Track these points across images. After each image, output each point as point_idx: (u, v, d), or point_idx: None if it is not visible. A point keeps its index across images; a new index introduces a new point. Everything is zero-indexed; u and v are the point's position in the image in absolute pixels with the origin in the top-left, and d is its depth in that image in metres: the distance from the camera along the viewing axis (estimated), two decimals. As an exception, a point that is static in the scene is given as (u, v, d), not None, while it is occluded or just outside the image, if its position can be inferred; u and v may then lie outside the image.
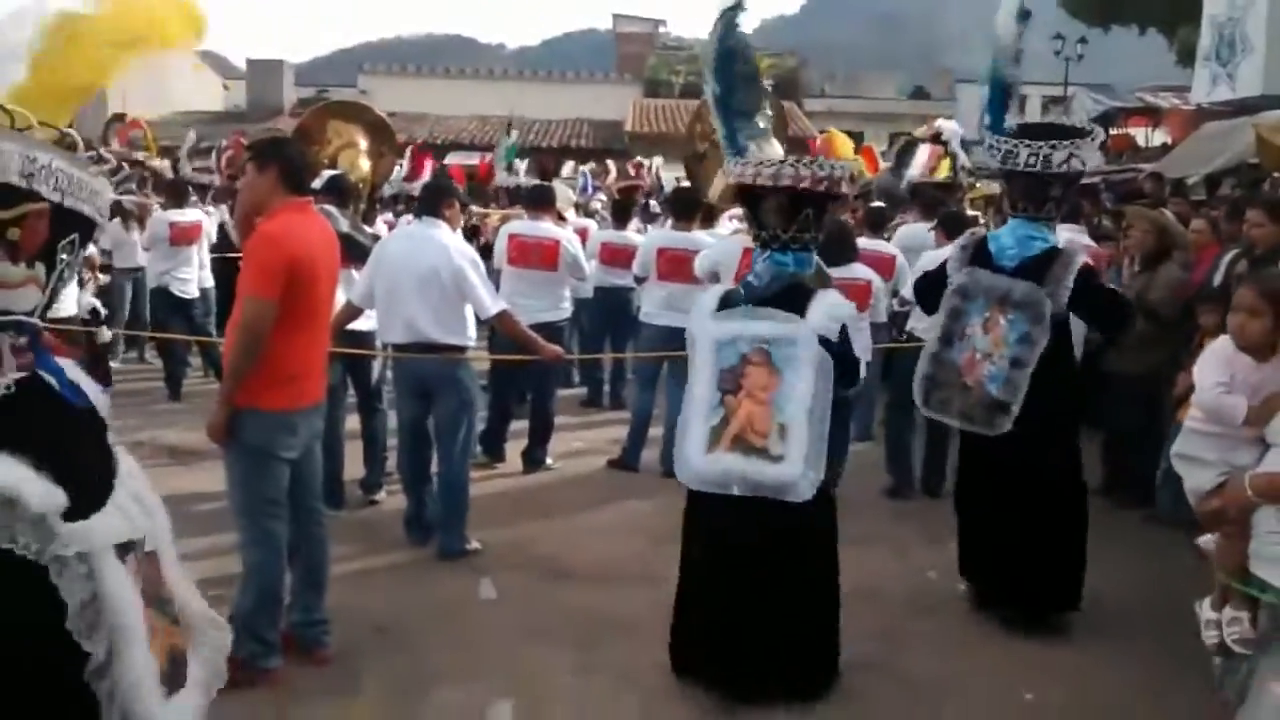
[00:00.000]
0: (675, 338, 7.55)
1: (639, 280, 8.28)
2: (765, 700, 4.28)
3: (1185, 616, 3.89)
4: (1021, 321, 5.09)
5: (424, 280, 5.80)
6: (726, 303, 4.51)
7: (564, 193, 9.85)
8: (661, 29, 44.52)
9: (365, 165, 7.69)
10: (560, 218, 8.96)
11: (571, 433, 8.72)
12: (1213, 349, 3.73)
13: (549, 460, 7.94)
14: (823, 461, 4.20)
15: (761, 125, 4.88)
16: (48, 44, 2.11)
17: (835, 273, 6.28)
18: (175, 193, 10.55)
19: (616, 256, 9.37)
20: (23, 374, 1.98)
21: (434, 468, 6.13)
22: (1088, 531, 5.24)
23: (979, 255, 5.34)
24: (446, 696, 4.35)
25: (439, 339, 5.85)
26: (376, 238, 6.70)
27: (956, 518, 5.53)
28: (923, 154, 11.93)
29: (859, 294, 6.87)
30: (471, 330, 6.07)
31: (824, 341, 4.25)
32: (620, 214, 10.22)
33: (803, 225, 4.42)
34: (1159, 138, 21.43)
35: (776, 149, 4.83)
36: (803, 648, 4.36)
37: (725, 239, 6.73)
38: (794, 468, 4.16)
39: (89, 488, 2.04)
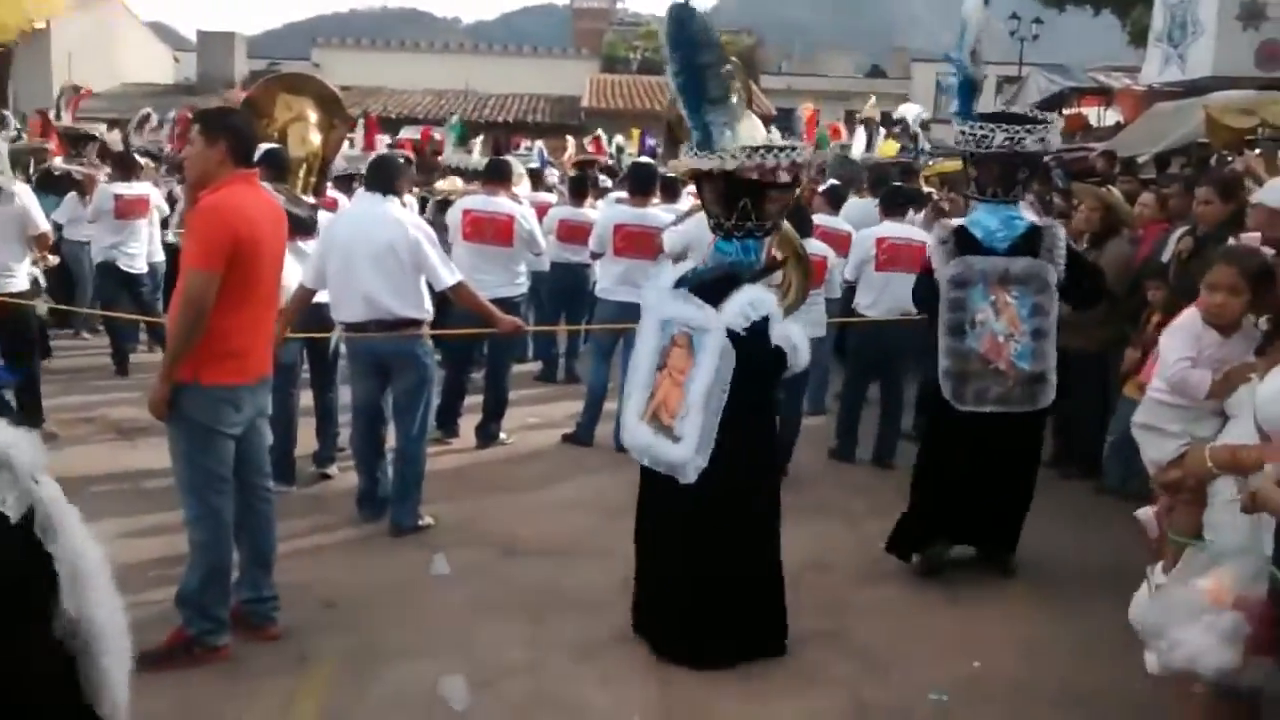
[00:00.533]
0: (631, 313, 7.54)
1: (595, 256, 8.27)
2: (712, 664, 4.40)
3: (1133, 585, 3.94)
4: (1027, 295, 5.33)
5: (379, 255, 5.72)
6: (681, 283, 4.60)
7: (515, 167, 9.76)
8: (619, 4, 44.37)
9: (315, 139, 7.57)
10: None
11: (526, 407, 8.70)
12: (1179, 324, 3.77)
13: (503, 435, 7.91)
14: (709, 447, 4.29)
15: (734, 103, 4.67)
16: None
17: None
18: (123, 165, 10.34)
19: (574, 233, 9.34)
20: None
21: (388, 444, 6.09)
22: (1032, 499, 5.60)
23: (965, 244, 5.41)
24: (398, 672, 4.33)
25: (398, 313, 5.78)
26: (315, 208, 6.58)
27: (916, 491, 5.63)
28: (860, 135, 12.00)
29: (815, 269, 6.90)
30: (428, 304, 6.00)
31: (731, 335, 4.30)
32: (577, 190, 10.18)
33: (742, 214, 4.46)
34: (1111, 117, 21.61)
35: (758, 130, 4.80)
36: (746, 612, 4.51)
37: (697, 218, 6.69)
38: (686, 450, 4.32)
39: None
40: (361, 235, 5.78)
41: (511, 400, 8.07)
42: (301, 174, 7.45)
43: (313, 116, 7.68)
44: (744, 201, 4.45)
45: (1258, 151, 9.64)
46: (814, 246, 7.25)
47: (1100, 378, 7.06)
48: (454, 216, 8.02)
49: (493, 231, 7.80)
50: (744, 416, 4.35)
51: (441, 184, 10.24)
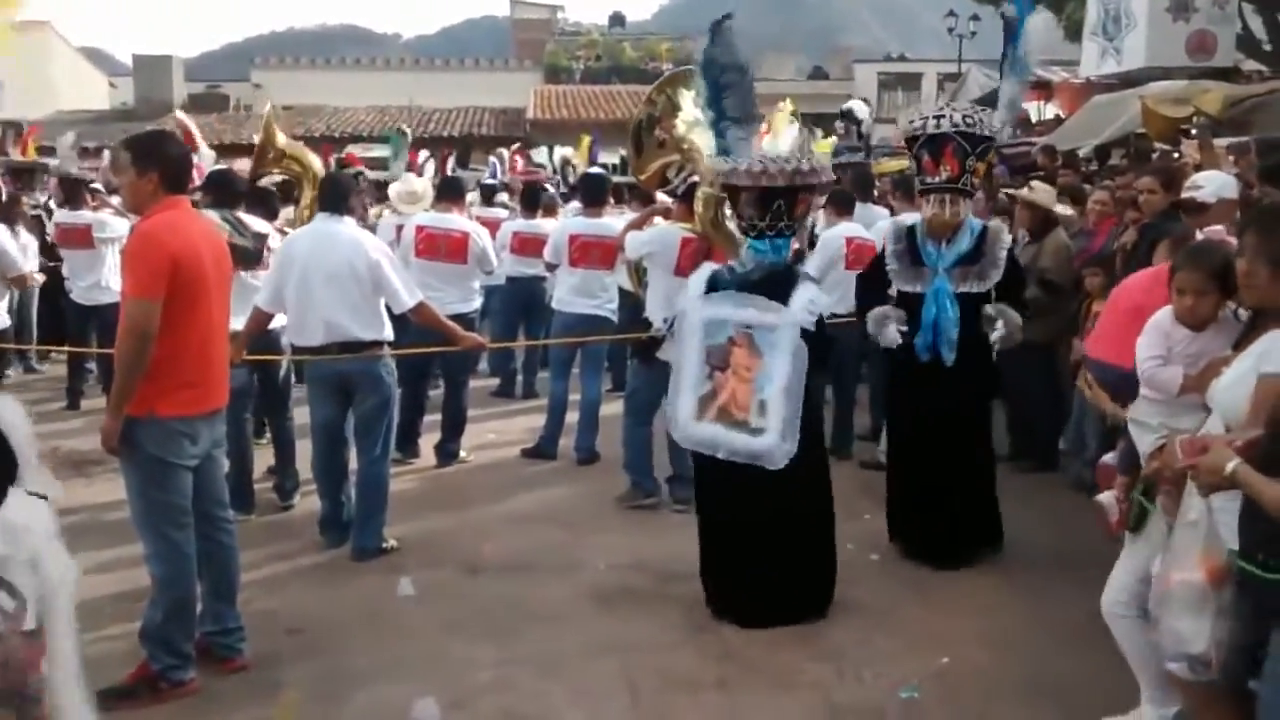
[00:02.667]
0: (588, 325, 7.58)
1: (551, 267, 8.23)
2: (782, 621, 4.83)
3: (1097, 574, 3.99)
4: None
5: (337, 277, 5.64)
6: (714, 284, 5.03)
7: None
8: (559, 14, 44.33)
9: (316, 161, 7.71)
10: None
11: (484, 424, 8.66)
12: (1152, 322, 3.81)
13: (463, 453, 7.86)
14: (796, 434, 4.78)
15: (757, 119, 5.35)
16: None
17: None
18: (67, 192, 10.07)
19: (527, 246, 9.33)
20: None
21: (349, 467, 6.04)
22: (995, 488, 5.87)
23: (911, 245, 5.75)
24: (369, 696, 4.29)
25: (359, 335, 5.71)
26: (261, 236, 6.50)
27: (891, 482, 5.93)
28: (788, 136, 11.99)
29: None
30: (389, 325, 5.92)
31: (801, 331, 4.80)
32: (529, 203, 10.18)
33: (775, 215, 4.97)
34: (1051, 111, 21.91)
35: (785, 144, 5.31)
36: (808, 577, 4.99)
37: (663, 227, 6.71)
38: (771, 439, 4.78)
39: None
40: (318, 257, 5.69)
41: (470, 417, 8.02)
42: (307, 198, 7.54)
43: (316, 163, 7.79)
44: (778, 204, 4.96)
45: (1194, 134, 9.82)
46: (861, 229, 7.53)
47: (1050, 369, 7.16)
48: (407, 233, 7.98)
49: (447, 248, 7.76)
50: (808, 405, 4.87)
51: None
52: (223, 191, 6.62)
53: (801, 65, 43.13)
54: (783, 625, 4.84)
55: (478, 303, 8.09)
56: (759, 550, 4.91)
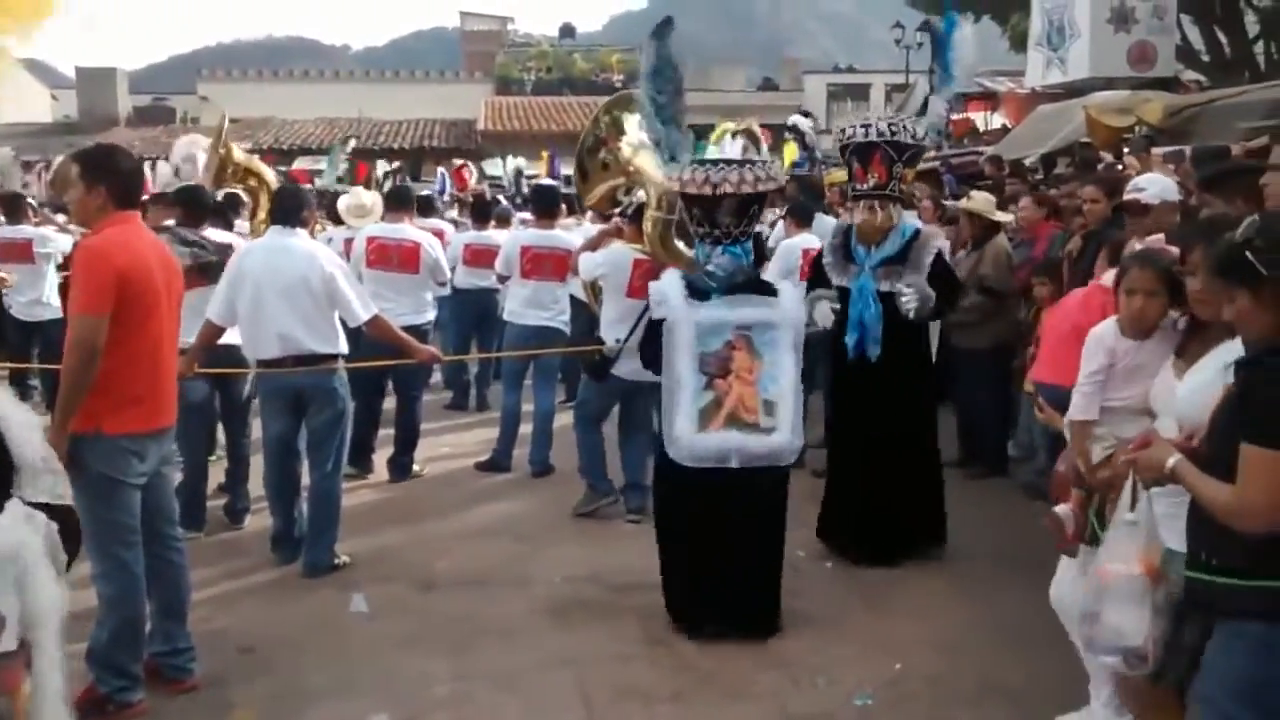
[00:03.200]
0: (540, 336, 7.57)
1: (503, 279, 8.19)
2: (743, 635, 4.83)
3: (1047, 580, 4.05)
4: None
5: (291, 290, 5.60)
6: (695, 291, 4.97)
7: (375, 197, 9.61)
8: (510, 26, 44.28)
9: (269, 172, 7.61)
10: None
11: (437, 437, 8.61)
12: (1094, 335, 3.85)
13: (416, 467, 7.82)
14: (801, 429, 4.91)
15: (680, 136, 5.26)
16: None
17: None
18: (6, 206, 9.91)
19: (480, 257, 9.31)
20: None
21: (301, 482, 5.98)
22: (941, 488, 5.98)
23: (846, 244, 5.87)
24: (322, 715, 4.25)
25: (314, 349, 5.66)
26: (225, 247, 6.44)
27: (829, 481, 6.02)
28: (734, 147, 11.96)
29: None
30: (343, 338, 5.87)
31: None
32: (480, 214, 10.18)
33: (750, 220, 5.06)
34: (998, 121, 22.22)
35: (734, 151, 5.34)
36: (764, 590, 4.98)
37: (615, 247, 6.73)
38: (784, 437, 4.84)
39: None
40: (272, 270, 5.64)
41: (423, 430, 7.98)
42: (263, 211, 7.49)
43: (201, 158, 7.68)
44: (754, 208, 5.05)
45: (1127, 150, 10.03)
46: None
47: (995, 375, 7.26)
48: (359, 245, 7.93)
49: (399, 259, 7.72)
50: None
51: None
52: (191, 208, 6.57)
53: (751, 77, 43.33)
54: (742, 638, 4.83)
55: (431, 314, 8.04)
56: (725, 560, 4.89)
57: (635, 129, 6.49)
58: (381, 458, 7.79)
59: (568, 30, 47.56)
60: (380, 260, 7.69)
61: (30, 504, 1.84)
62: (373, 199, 9.42)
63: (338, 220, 9.76)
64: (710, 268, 5.01)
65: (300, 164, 21.28)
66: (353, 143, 18.85)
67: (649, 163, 6.17)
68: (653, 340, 5.05)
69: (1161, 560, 2.96)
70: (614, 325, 6.43)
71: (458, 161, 20.24)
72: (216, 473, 6.77)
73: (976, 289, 7.20)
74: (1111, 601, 3.03)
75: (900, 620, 5.08)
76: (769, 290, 5.06)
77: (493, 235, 9.60)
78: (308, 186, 14.18)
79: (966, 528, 6.09)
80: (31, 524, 1.77)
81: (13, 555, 1.72)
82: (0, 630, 1.70)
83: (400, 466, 7.72)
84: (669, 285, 5.05)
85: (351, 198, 9.64)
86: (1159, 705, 3.19)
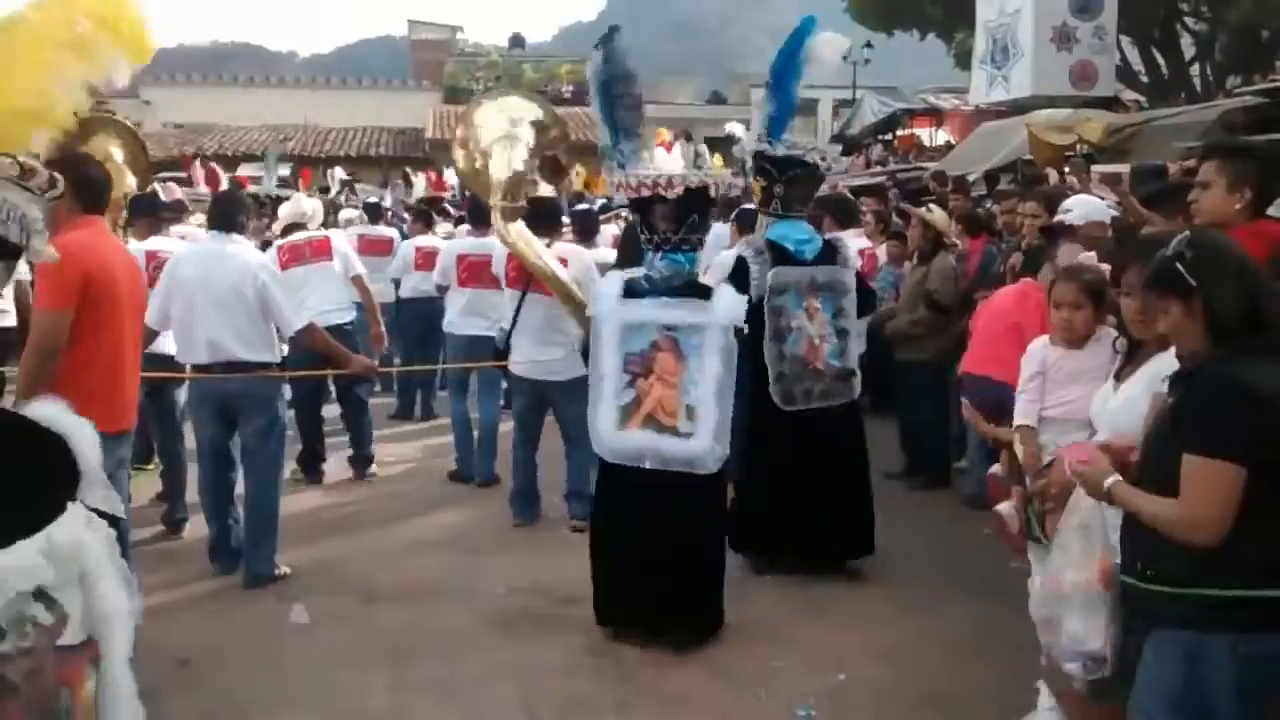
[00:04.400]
0: (478, 346, 7.51)
1: (441, 289, 8.20)
2: (673, 643, 4.80)
3: (989, 592, 4.09)
4: (830, 299, 5.81)
5: (223, 298, 5.54)
6: (630, 291, 4.96)
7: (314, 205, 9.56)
8: (459, 35, 44.11)
9: (131, 181, 7.31)
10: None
11: (382, 445, 8.53)
12: (1030, 348, 3.97)
13: (373, 467, 7.91)
14: (727, 437, 4.78)
15: (642, 134, 5.33)
16: None
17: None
18: None
19: (431, 260, 9.22)
20: None
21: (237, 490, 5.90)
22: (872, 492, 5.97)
23: (777, 256, 5.73)
24: (258, 728, 4.18)
25: (245, 357, 5.60)
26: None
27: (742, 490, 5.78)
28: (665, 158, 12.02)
29: None
30: (276, 346, 5.82)
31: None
32: (423, 218, 10.24)
33: (691, 228, 4.98)
34: (942, 137, 22.53)
35: (664, 163, 5.28)
36: (687, 596, 4.90)
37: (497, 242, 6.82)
38: (703, 443, 4.74)
39: None
40: (205, 277, 5.59)
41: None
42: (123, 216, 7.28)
43: (119, 155, 7.49)
44: (693, 216, 4.97)
45: (1068, 170, 10.20)
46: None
47: (938, 387, 7.33)
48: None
49: (310, 250, 7.76)
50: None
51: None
52: (149, 214, 6.55)
53: (701, 89, 43.50)
54: (677, 642, 4.83)
55: (351, 314, 7.87)
56: (646, 561, 4.85)
57: (490, 120, 6.72)
58: (331, 467, 7.82)
59: (517, 40, 47.39)
60: (294, 259, 7.67)
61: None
62: (313, 205, 9.31)
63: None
64: (649, 273, 5.02)
65: (245, 170, 20.97)
66: (286, 145, 18.71)
67: (498, 156, 6.47)
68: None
69: (1115, 565, 2.99)
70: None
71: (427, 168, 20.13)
72: (155, 482, 6.67)
73: (924, 303, 7.30)
74: (1069, 608, 3.07)
75: (842, 631, 5.10)
76: (704, 293, 4.95)
77: (437, 240, 9.70)
78: (250, 190, 14.12)
79: (909, 539, 6.14)
80: (92, 527, 1.77)
81: (73, 552, 1.72)
82: (63, 624, 1.70)
83: (362, 460, 7.88)
84: (608, 285, 5.11)
85: (293, 204, 9.53)
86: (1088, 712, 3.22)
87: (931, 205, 8.33)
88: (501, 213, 6.43)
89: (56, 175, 1.87)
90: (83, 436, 1.79)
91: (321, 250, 7.74)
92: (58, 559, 1.68)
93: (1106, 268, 4.00)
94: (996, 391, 4.75)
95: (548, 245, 6.59)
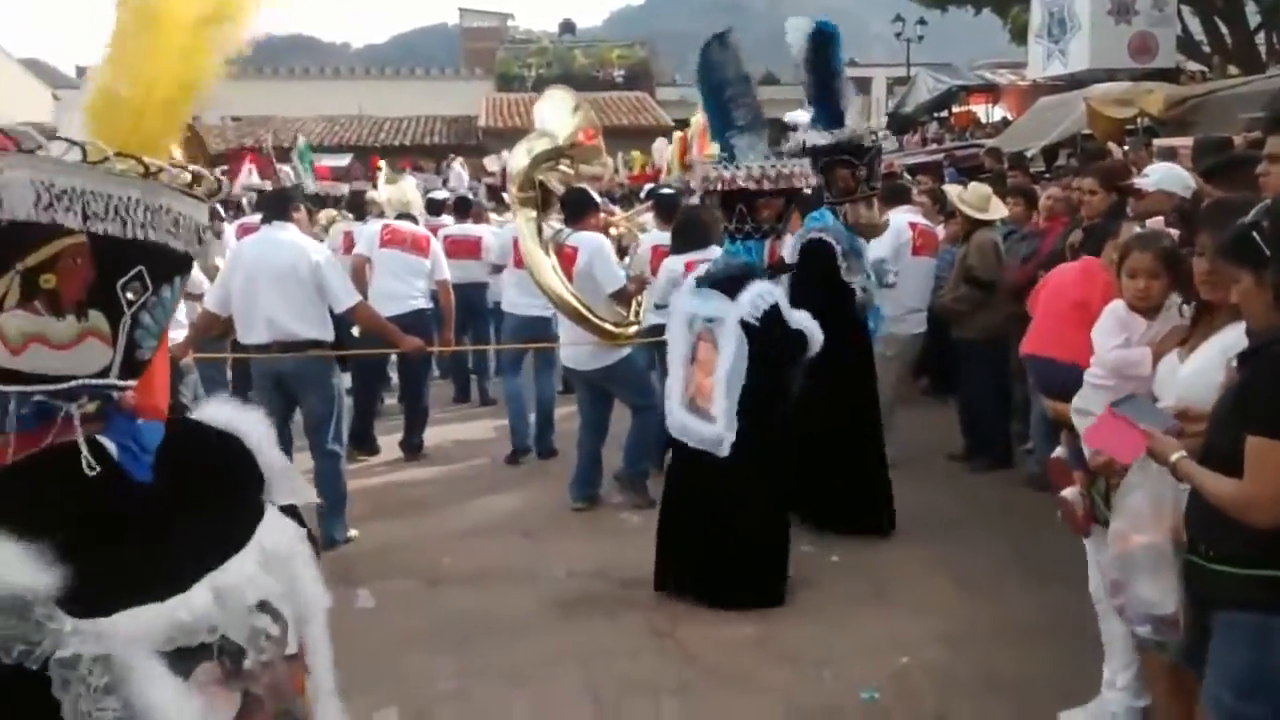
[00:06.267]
0: (535, 324, 7.64)
1: (498, 269, 8.46)
2: (729, 606, 5.01)
3: (1052, 573, 4.04)
4: None
5: (280, 278, 5.85)
6: (700, 281, 5.27)
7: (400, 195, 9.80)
8: (510, 22, 44.23)
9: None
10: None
11: (443, 427, 8.67)
12: (1107, 313, 3.88)
13: (425, 452, 8.11)
14: (734, 423, 4.98)
15: (760, 129, 5.46)
16: (123, 37, 1.35)
17: (694, 255, 6.70)
18: None
19: (459, 248, 9.41)
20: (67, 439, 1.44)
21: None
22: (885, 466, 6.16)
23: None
24: (328, 711, 4.25)
25: (300, 334, 5.90)
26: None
27: None
28: (667, 149, 11.93)
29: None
30: (329, 325, 6.09)
31: (746, 325, 4.98)
32: (462, 208, 10.43)
33: (739, 218, 5.23)
34: (999, 113, 22.22)
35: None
36: (758, 561, 5.16)
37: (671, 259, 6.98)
38: (719, 428, 5.01)
39: (134, 575, 1.43)
40: (264, 260, 5.93)
41: (431, 420, 8.21)
42: None
43: (178, 151, 7.71)
44: (739, 207, 5.21)
45: (1126, 147, 10.03)
46: (712, 253, 7.34)
47: (992, 366, 7.26)
48: (374, 227, 8.40)
49: (411, 242, 8.24)
50: (766, 398, 5.02)
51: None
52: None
53: (752, 71, 43.28)
54: (732, 609, 5.01)
55: (431, 303, 8.24)
56: (709, 531, 5.11)
57: (541, 114, 7.15)
58: (388, 444, 8.04)
59: (568, 26, 47.46)
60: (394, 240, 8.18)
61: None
62: (415, 195, 9.94)
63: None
64: (710, 265, 5.31)
65: (325, 161, 21.19)
66: (303, 140, 18.93)
67: (519, 147, 6.89)
68: None
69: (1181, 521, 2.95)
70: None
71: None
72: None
73: (964, 279, 7.27)
74: (1138, 571, 3.03)
75: (905, 614, 5.08)
76: (740, 286, 5.10)
77: (471, 227, 9.85)
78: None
79: (971, 521, 6.09)
80: (285, 527, 1.73)
81: (286, 559, 1.69)
82: (284, 633, 1.66)
83: (412, 445, 8.10)
84: (691, 277, 5.45)
85: (398, 192, 9.90)
86: (1185, 689, 3.18)
87: (971, 184, 8.25)
88: (518, 202, 6.77)
89: (221, 178, 1.75)
90: (259, 434, 1.75)
91: (419, 245, 8.15)
92: (273, 567, 1.62)
93: (1175, 233, 3.92)
94: (1061, 372, 4.67)
95: (573, 231, 6.91)
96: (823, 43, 6.09)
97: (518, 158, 6.99)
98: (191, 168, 1.54)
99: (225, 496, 1.62)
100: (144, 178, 1.41)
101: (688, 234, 6.98)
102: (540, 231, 6.80)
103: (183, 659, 1.44)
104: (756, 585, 5.15)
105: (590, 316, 6.53)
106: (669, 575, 5.28)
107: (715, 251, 7.29)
